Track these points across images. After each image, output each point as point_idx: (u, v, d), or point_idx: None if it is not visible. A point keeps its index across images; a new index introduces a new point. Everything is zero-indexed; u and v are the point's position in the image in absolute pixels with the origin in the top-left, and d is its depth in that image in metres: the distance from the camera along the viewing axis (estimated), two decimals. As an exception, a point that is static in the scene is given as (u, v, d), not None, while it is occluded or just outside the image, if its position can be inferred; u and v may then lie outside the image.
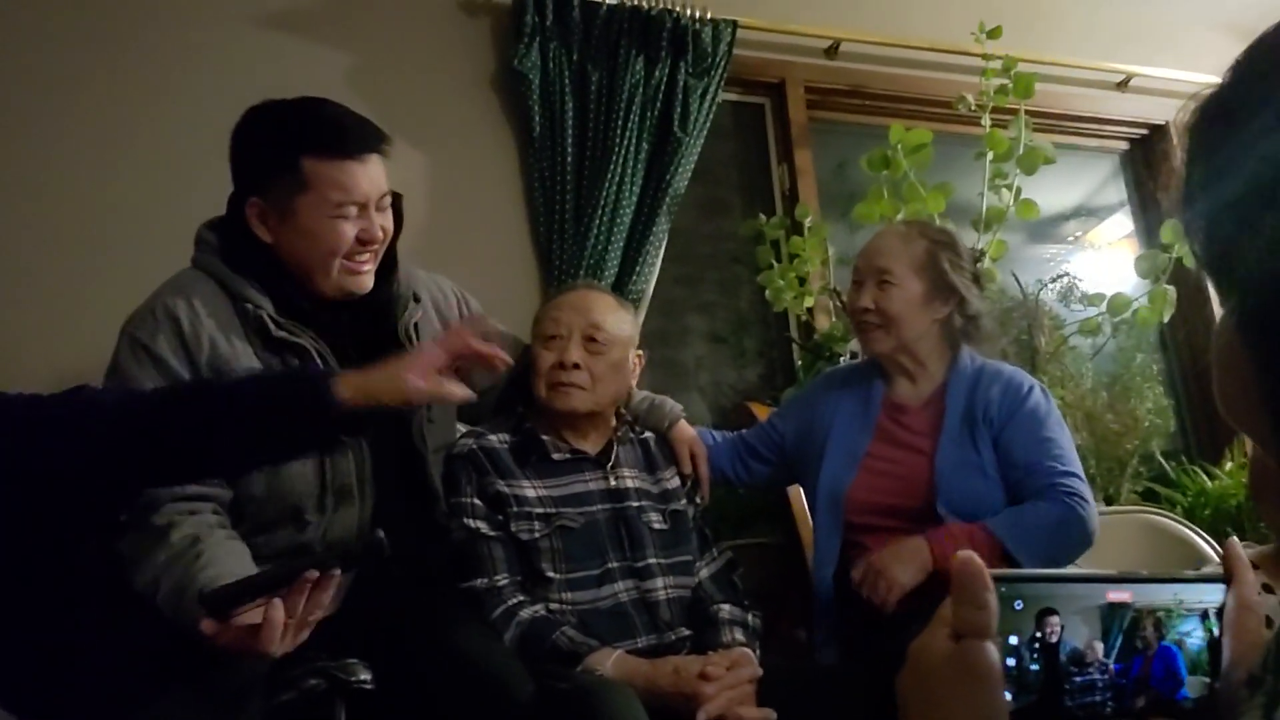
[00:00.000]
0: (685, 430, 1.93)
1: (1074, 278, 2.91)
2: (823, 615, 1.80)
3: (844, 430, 1.87)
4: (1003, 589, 0.61)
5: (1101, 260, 3.55)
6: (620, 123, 2.56)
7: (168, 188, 2.28)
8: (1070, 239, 3.60)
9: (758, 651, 1.65)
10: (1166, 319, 2.73)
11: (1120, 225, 3.65)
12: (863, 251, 1.91)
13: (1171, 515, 2.27)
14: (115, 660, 0.92)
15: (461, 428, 1.83)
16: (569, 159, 2.55)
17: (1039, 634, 0.64)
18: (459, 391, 1.34)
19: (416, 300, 1.69)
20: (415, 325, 1.66)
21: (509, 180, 2.62)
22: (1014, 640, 0.63)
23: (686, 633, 1.68)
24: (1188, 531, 2.18)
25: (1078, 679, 0.64)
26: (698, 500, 1.87)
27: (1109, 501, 2.64)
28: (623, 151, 2.55)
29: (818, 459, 1.86)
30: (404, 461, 1.63)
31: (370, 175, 1.52)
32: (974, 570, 0.60)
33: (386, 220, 1.57)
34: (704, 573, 1.78)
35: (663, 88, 2.64)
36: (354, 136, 1.51)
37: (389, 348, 1.61)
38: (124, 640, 1.01)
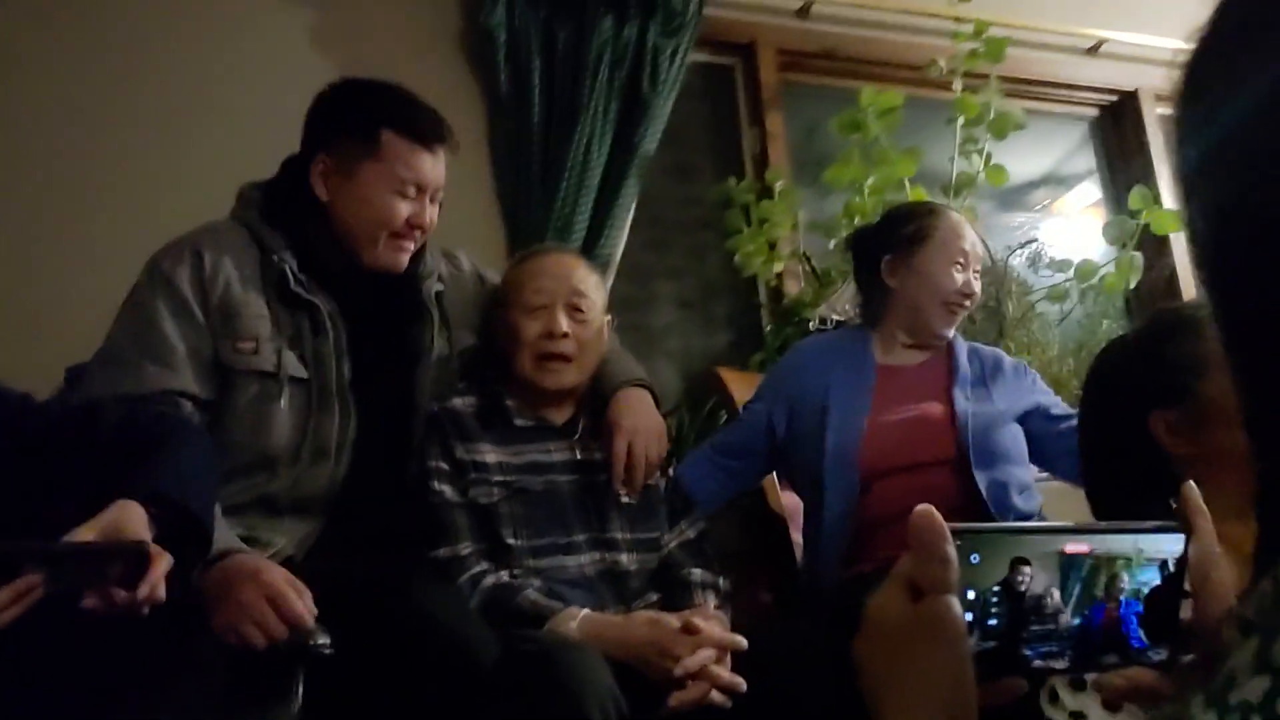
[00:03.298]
0: (619, 403, 1.73)
1: (1042, 243, 2.91)
2: (825, 575, 1.82)
3: (843, 396, 1.89)
4: (958, 543, 0.60)
5: (1070, 228, 3.56)
6: (589, 82, 2.52)
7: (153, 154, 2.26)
8: (1039, 207, 3.60)
9: (729, 615, 1.64)
10: (1133, 285, 2.74)
11: (1089, 193, 3.66)
12: (967, 237, 1.96)
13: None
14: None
15: None
16: (536, 119, 2.51)
17: (1011, 583, 0.63)
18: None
19: (440, 280, 1.75)
20: (437, 295, 1.72)
21: (475, 140, 2.57)
22: (971, 595, 0.62)
23: (654, 598, 1.66)
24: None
25: (1035, 628, 0.64)
26: (670, 473, 1.81)
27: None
28: (591, 112, 2.51)
29: (818, 429, 1.87)
30: (398, 418, 1.65)
31: (436, 167, 1.63)
32: (934, 525, 0.59)
33: (435, 213, 1.65)
34: (674, 544, 1.74)
35: (631, 47, 2.60)
36: (434, 128, 1.62)
37: (404, 319, 1.68)
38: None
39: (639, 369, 1.83)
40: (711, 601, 1.64)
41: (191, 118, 2.37)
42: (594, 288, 1.78)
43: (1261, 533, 0.48)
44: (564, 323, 1.70)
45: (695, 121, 2.99)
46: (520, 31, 2.53)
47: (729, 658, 1.49)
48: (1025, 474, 1.88)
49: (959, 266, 1.92)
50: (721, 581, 1.71)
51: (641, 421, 1.70)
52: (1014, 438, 1.89)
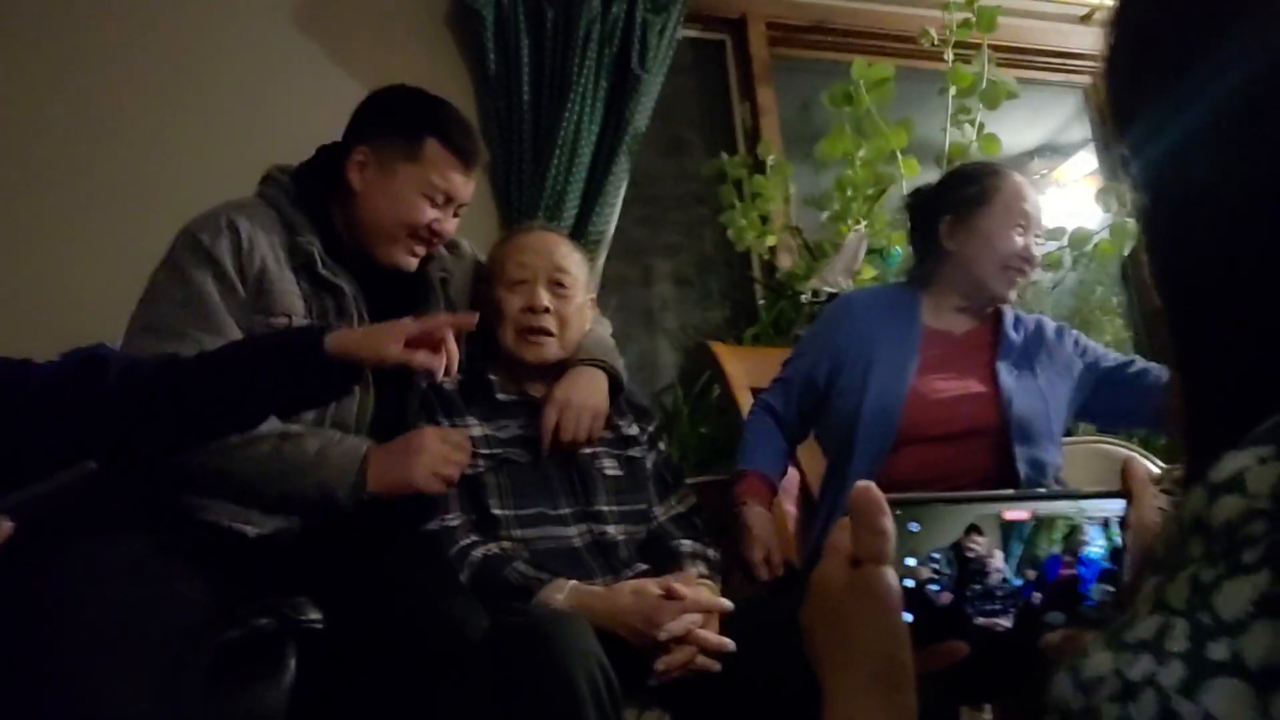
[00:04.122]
0: (563, 378, 1.74)
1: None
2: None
3: (887, 355, 1.85)
4: (898, 513, 0.62)
5: (1067, 197, 3.55)
6: (578, 60, 2.52)
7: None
8: (1037, 177, 3.58)
9: (719, 584, 1.64)
10: (1127, 252, 2.74)
11: (1086, 162, 3.64)
12: (1029, 199, 1.90)
13: (1127, 444, 2.30)
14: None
15: None
16: (525, 98, 2.51)
17: (960, 548, 0.65)
18: (424, 360, 1.37)
19: (445, 270, 1.80)
20: (442, 280, 1.77)
21: (465, 121, 2.58)
22: (911, 562, 0.64)
23: (644, 568, 1.67)
24: (1143, 461, 2.20)
25: (978, 587, 0.65)
26: (660, 447, 1.83)
27: (1068, 433, 2.65)
28: (581, 89, 2.51)
29: (859, 385, 1.83)
30: (406, 396, 1.69)
31: (468, 185, 1.71)
32: (872, 498, 0.61)
33: (454, 225, 1.73)
34: (664, 518, 1.75)
35: (620, 24, 2.60)
36: (476, 151, 1.70)
37: (414, 301, 1.72)
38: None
39: (608, 351, 1.83)
40: (702, 570, 1.65)
41: (181, 99, 2.38)
42: (576, 265, 1.79)
43: (1187, 469, 0.49)
44: (545, 298, 1.72)
45: (686, 97, 2.99)
46: (508, 10, 2.53)
47: (717, 623, 1.50)
48: (1059, 457, 1.86)
49: (1020, 229, 1.86)
50: (711, 552, 1.72)
51: (575, 395, 1.71)
52: (1055, 417, 1.85)
